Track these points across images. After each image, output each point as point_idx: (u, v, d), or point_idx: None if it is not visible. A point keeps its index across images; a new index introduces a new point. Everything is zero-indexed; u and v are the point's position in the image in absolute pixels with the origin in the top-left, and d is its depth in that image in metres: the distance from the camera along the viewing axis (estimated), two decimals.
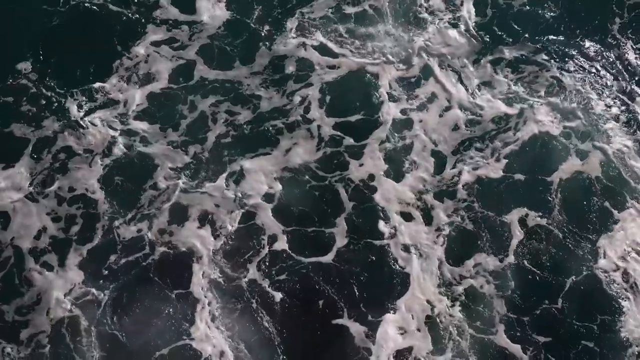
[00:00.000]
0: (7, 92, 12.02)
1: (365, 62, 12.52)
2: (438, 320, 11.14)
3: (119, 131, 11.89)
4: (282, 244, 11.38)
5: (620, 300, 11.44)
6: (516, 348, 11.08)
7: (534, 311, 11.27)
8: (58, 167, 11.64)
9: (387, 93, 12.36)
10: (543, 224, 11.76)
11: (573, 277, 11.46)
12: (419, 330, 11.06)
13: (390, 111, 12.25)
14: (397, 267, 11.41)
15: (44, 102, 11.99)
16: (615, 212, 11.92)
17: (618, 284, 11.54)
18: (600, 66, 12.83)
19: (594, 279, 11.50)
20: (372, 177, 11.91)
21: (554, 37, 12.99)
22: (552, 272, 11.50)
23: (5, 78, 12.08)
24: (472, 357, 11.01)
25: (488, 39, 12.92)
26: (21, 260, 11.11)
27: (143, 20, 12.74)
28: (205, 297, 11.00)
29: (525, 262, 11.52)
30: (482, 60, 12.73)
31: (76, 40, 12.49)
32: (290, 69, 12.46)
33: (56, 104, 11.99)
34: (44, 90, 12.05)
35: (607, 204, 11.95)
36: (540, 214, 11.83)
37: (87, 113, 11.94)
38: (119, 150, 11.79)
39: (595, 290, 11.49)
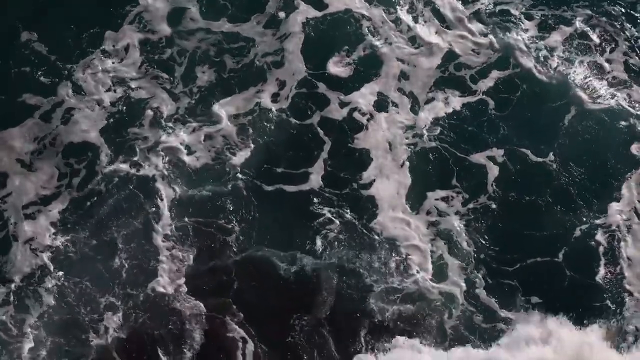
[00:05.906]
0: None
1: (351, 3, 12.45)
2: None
3: (116, 80, 12.04)
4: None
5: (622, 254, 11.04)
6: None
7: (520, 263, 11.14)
8: (57, 122, 11.82)
9: (371, 33, 12.29)
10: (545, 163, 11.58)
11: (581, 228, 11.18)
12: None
13: (373, 52, 12.19)
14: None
15: (46, 64, 12.12)
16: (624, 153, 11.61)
17: (622, 236, 11.11)
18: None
19: (598, 230, 11.16)
20: (350, 117, 11.88)
21: None
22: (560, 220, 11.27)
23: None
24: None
25: None
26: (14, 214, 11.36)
27: None
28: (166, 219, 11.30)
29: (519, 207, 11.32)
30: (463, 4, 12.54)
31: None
32: (275, 6, 12.45)
33: (59, 63, 12.11)
34: (47, 54, 12.18)
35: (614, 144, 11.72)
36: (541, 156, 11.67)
37: (92, 70, 12.10)
38: (113, 98, 11.92)
39: (599, 242, 11.12)
